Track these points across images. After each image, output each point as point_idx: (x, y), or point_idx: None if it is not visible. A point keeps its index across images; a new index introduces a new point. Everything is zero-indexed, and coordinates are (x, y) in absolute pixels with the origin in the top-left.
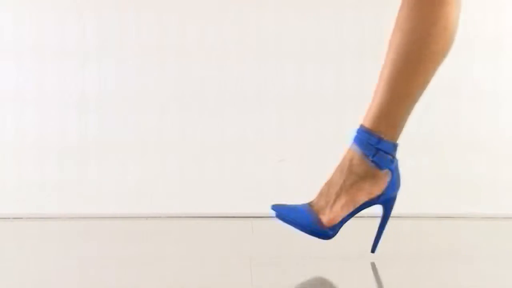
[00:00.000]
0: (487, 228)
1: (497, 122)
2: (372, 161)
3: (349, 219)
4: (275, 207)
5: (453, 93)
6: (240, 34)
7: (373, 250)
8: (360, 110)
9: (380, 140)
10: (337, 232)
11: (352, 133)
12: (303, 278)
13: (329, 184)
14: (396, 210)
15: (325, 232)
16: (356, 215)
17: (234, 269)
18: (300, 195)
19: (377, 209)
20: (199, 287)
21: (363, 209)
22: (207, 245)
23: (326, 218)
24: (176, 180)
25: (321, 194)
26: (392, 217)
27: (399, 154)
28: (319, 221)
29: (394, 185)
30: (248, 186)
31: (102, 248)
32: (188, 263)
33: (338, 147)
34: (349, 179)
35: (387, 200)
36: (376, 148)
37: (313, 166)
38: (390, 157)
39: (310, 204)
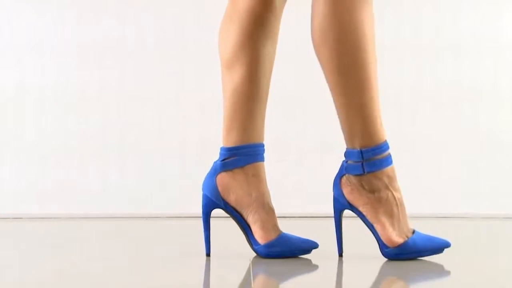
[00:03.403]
0: (487, 228)
1: (497, 122)
2: None
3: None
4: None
5: (453, 93)
6: None
7: (207, 253)
8: None
9: None
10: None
11: None
12: (303, 278)
13: None
14: None
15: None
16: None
17: (234, 269)
18: (300, 194)
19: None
20: (199, 287)
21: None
22: None
23: None
24: (175, 180)
25: None
26: None
27: (398, 153)
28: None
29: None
30: None
31: (102, 248)
32: (188, 263)
33: (338, 147)
34: None
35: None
36: None
37: (313, 166)
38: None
39: None
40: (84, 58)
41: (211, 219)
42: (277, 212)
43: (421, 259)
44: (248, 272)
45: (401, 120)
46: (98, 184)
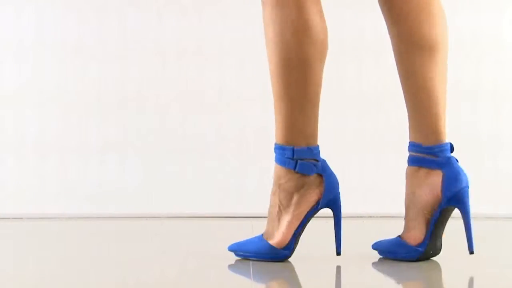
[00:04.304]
0: (487, 228)
1: (497, 122)
2: (297, 173)
3: (301, 232)
4: (231, 247)
5: (453, 93)
6: (239, 33)
7: (338, 252)
8: (360, 110)
9: (294, 150)
10: (293, 249)
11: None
12: (304, 278)
13: (270, 209)
14: (397, 210)
15: (280, 254)
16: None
17: (234, 269)
18: None
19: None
20: (199, 287)
21: (310, 218)
22: (207, 245)
23: (275, 241)
24: (176, 180)
25: (267, 220)
26: (393, 217)
27: (398, 153)
28: (270, 246)
29: (329, 185)
30: (248, 186)
31: (102, 248)
32: (188, 263)
33: (337, 146)
34: (284, 198)
35: (330, 202)
36: (295, 159)
37: None
38: (312, 161)
39: (263, 233)
40: (84, 58)
41: (207, 219)
42: None
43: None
44: (248, 272)
45: (402, 120)
46: (98, 184)
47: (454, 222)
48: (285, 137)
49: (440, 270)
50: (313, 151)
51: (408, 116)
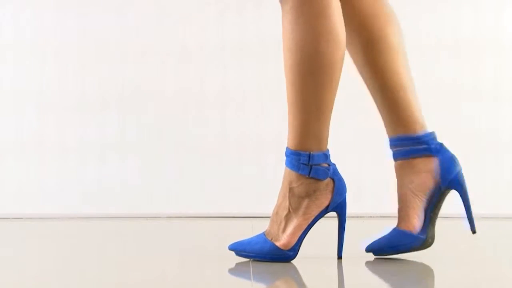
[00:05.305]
0: (486, 228)
1: (497, 122)
2: (310, 178)
3: (306, 234)
4: (232, 247)
5: (453, 93)
6: (240, 33)
7: (339, 255)
8: (360, 110)
9: (310, 156)
10: (297, 250)
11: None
12: (304, 278)
13: (276, 210)
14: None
15: (285, 255)
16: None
17: (234, 269)
18: None
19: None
20: (199, 287)
21: (317, 221)
22: (207, 245)
23: (281, 243)
24: (176, 180)
25: (272, 221)
26: (394, 217)
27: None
28: (276, 247)
29: (339, 190)
30: (248, 186)
31: (102, 248)
32: (188, 263)
33: (337, 147)
34: (294, 202)
35: (338, 206)
36: (310, 165)
37: None
38: (325, 166)
39: (265, 233)
40: (84, 58)
41: (207, 219)
42: None
43: (418, 260)
44: (248, 273)
45: None
46: (98, 184)
47: (449, 223)
48: (300, 143)
49: (441, 269)
50: (327, 156)
51: (384, 112)
